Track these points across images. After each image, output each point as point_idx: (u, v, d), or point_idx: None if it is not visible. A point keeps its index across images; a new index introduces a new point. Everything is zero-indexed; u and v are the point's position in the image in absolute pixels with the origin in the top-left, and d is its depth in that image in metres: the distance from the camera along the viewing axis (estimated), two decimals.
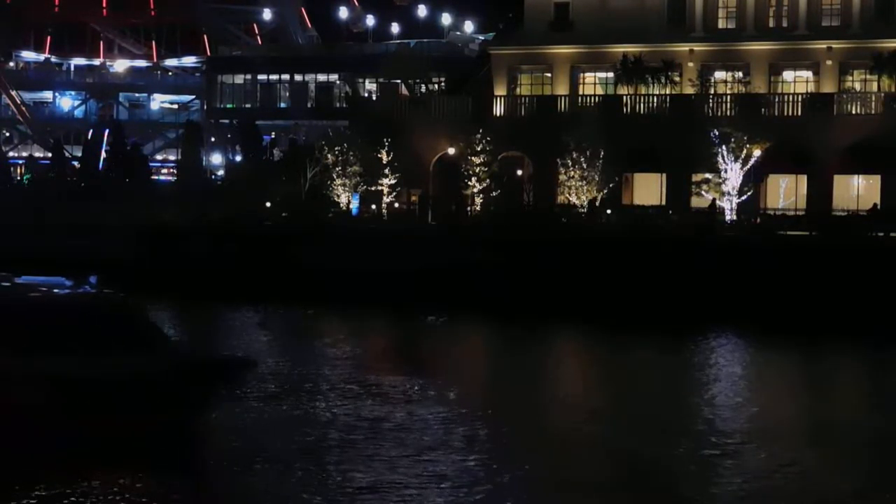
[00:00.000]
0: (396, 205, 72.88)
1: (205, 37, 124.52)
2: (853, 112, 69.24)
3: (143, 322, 27.93)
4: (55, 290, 28.25)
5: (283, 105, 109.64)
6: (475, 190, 70.29)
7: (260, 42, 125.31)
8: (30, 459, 25.02)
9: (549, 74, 79.74)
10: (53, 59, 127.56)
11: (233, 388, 29.00)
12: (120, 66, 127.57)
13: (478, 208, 70.03)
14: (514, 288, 55.60)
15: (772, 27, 76.00)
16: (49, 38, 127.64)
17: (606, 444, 28.61)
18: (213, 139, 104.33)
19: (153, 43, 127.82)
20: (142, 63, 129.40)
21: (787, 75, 75.74)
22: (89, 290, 28.21)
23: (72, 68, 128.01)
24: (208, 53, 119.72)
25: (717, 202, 64.61)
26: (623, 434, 29.39)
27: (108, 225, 66.03)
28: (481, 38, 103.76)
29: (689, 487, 24.71)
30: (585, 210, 66.17)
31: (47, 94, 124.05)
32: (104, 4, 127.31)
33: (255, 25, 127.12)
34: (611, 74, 76.74)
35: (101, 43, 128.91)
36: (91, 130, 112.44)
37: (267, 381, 34.62)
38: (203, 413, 27.53)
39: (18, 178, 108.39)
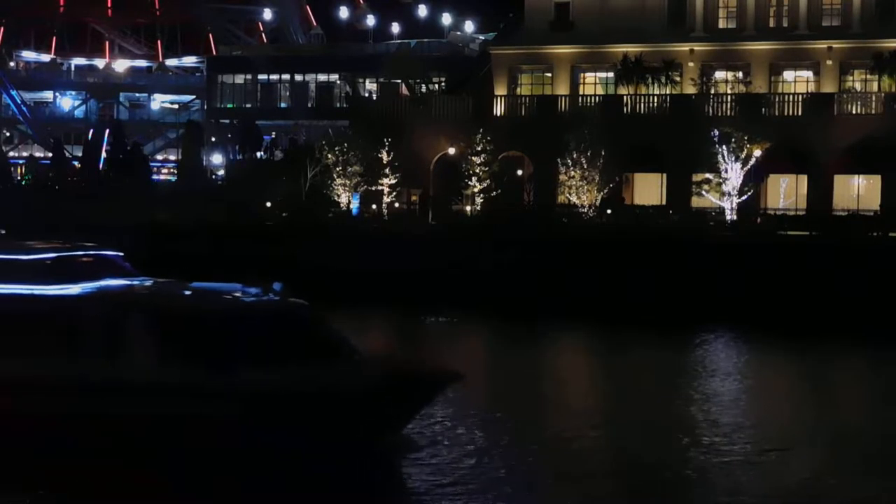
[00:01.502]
0: (397, 205, 72.86)
1: (210, 36, 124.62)
2: (854, 112, 69.18)
3: (335, 332, 26.36)
4: (248, 299, 26.58)
5: (283, 105, 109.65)
6: (475, 189, 70.29)
7: (265, 41, 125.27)
8: (240, 477, 24.01)
9: (549, 74, 79.75)
10: (56, 58, 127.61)
11: (441, 402, 27.07)
12: (120, 65, 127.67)
13: (478, 208, 70.03)
14: (515, 287, 55.57)
15: (772, 27, 75.98)
16: (54, 38, 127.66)
17: (615, 447, 28.55)
18: (213, 139, 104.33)
19: (158, 42, 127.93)
20: (142, 63, 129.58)
21: (788, 75, 75.72)
22: (276, 298, 26.66)
23: (72, 68, 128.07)
24: (214, 52, 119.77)
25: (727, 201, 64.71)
26: (627, 438, 29.35)
27: (107, 225, 65.94)
28: (482, 37, 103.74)
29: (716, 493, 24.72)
30: (585, 210, 66.11)
31: (48, 94, 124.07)
32: (109, 4, 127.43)
33: (259, 24, 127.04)
34: (611, 74, 76.71)
35: (106, 43, 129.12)
36: (91, 130, 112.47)
37: None
38: (405, 429, 26.12)
39: (19, 178, 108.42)
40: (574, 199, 66.97)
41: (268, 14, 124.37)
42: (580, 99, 75.70)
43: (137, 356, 25.38)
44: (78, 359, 25.72)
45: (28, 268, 27.39)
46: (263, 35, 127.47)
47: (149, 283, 28.40)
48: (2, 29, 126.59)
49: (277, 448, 24.40)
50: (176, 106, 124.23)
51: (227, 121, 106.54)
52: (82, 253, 28.77)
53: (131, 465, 24.61)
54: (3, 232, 30.44)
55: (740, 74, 74.18)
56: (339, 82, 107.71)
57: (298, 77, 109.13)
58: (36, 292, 26.92)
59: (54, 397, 25.41)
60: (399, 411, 25.42)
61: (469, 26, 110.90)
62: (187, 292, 27.35)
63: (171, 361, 25.11)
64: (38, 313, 26.51)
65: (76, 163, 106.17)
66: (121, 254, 29.50)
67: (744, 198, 64.70)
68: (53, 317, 26.38)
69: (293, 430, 24.54)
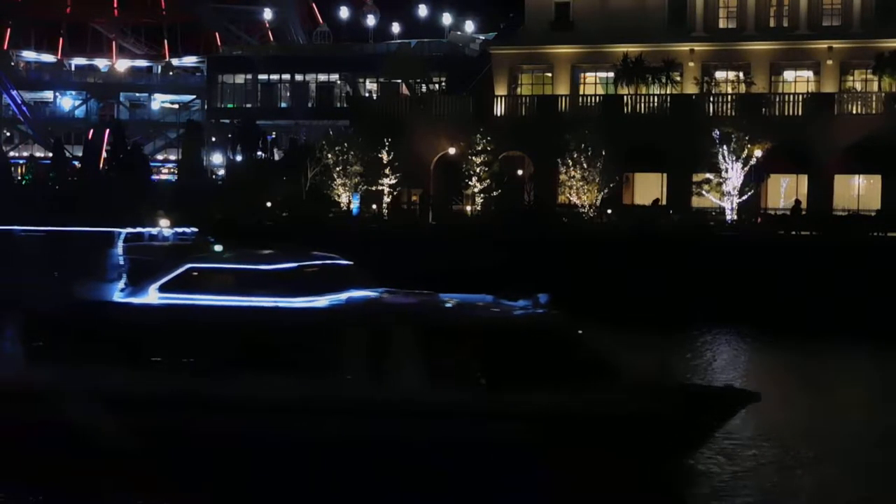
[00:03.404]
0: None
1: (217, 35, 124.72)
2: (854, 112, 69.16)
3: (605, 348, 24.32)
4: (520, 312, 24.53)
5: (283, 105, 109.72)
6: (476, 189, 70.29)
7: (272, 40, 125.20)
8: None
9: (549, 74, 79.73)
10: (62, 59, 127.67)
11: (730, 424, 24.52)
12: (121, 65, 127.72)
13: (478, 208, 70.03)
14: (516, 287, 55.38)
15: (772, 27, 75.98)
16: (61, 39, 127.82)
17: None
18: (213, 139, 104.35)
19: (165, 42, 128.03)
20: (142, 63, 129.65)
21: (788, 75, 75.70)
22: (545, 312, 24.62)
23: (72, 68, 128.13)
24: (220, 51, 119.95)
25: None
26: None
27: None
28: (482, 37, 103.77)
29: None
30: (586, 210, 66.07)
31: (48, 94, 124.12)
32: (115, 4, 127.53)
33: (266, 23, 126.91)
34: (611, 74, 76.64)
35: (108, 43, 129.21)
36: (92, 130, 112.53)
37: None
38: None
39: (19, 177, 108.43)
40: (574, 199, 66.96)
41: (268, 14, 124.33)
42: (580, 99, 75.68)
43: (407, 375, 23.24)
44: (340, 378, 23.63)
45: (269, 279, 25.19)
46: (270, 33, 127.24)
47: (400, 294, 26.03)
48: (8, 30, 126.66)
49: (565, 472, 22.54)
50: (176, 106, 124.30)
51: (227, 121, 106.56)
52: (321, 262, 26.54)
53: (400, 494, 22.91)
54: (213, 241, 27.61)
55: (741, 74, 74.12)
56: (339, 82, 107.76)
57: (298, 77, 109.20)
58: (284, 305, 24.63)
59: (312, 419, 23.39)
60: (691, 432, 23.40)
61: (469, 26, 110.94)
62: (450, 305, 25.02)
63: (447, 380, 23.01)
64: (293, 328, 24.29)
65: (76, 163, 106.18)
66: (352, 263, 27.08)
67: (744, 198, 64.66)
68: (310, 332, 24.13)
69: (584, 454, 22.61)
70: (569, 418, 22.57)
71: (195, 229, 29.54)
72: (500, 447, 22.56)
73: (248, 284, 25.07)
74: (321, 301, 24.80)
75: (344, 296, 25.17)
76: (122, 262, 26.23)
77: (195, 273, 25.55)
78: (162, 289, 25.48)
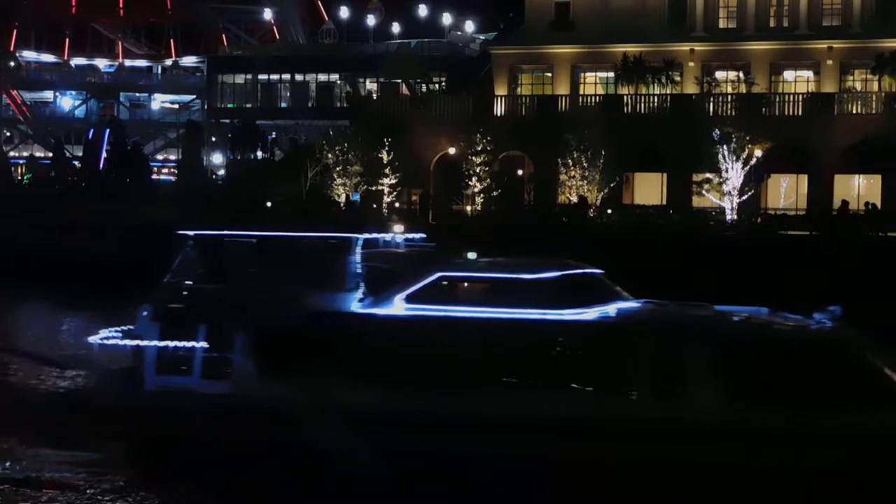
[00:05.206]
0: (397, 204, 72.82)
1: (223, 36, 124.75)
2: (854, 112, 69.22)
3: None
4: (816, 326, 22.44)
5: (283, 105, 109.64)
6: (476, 189, 70.31)
7: (277, 37, 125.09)
8: None
9: (549, 74, 79.78)
10: (67, 60, 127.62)
11: None
12: (121, 66, 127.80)
13: (478, 208, 70.03)
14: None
15: (772, 27, 76.04)
16: (67, 39, 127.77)
17: None
18: (213, 139, 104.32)
19: (171, 42, 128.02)
20: (142, 63, 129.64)
21: (788, 75, 75.75)
22: (834, 325, 22.46)
23: (73, 68, 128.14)
24: (226, 51, 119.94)
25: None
26: None
27: (106, 224, 65.84)
28: (482, 37, 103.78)
29: None
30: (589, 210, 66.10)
31: (48, 94, 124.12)
32: (120, 5, 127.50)
33: (271, 21, 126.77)
34: (611, 74, 76.74)
35: (108, 43, 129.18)
36: (92, 130, 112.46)
37: None
38: None
39: (19, 177, 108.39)
40: (574, 199, 66.96)
41: (268, 14, 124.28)
42: (580, 99, 75.70)
43: (702, 394, 21.32)
44: (624, 397, 21.74)
45: (532, 289, 22.99)
46: (275, 30, 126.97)
47: (671, 305, 23.98)
48: (14, 31, 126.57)
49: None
50: (176, 106, 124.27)
51: (227, 121, 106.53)
52: (580, 271, 24.20)
53: None
54: (433, 245, 25.87)
55: (741, 74, 74.13)
56: (339, 82, 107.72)
57: (298, 77, 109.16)
58: (554, 318, 22.51)
59: (594, 441, 21.38)
60: None
61: (469, 26, 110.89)
62: (740, 318, 22.93)
63: (746, 400, 21.13)
64: (572, 343, 22.42)
65: (76, 163, 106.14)
66: (603, 271, 24.84)
67: (744, 197, 64.66)
68: (591, 347, 22.32)
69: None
70: (879, 442, 20.74)
71: (423, 235, 27.46)
72: (808, 473, 20.80)
73: (507, 295, 22.98)
74: (590, 313, 22.76)
75: (611, 307, 23.13)
76: (360, 271, 23.98)
77: (446, 282, 23.56)
78: (409, 299, 23.27)
